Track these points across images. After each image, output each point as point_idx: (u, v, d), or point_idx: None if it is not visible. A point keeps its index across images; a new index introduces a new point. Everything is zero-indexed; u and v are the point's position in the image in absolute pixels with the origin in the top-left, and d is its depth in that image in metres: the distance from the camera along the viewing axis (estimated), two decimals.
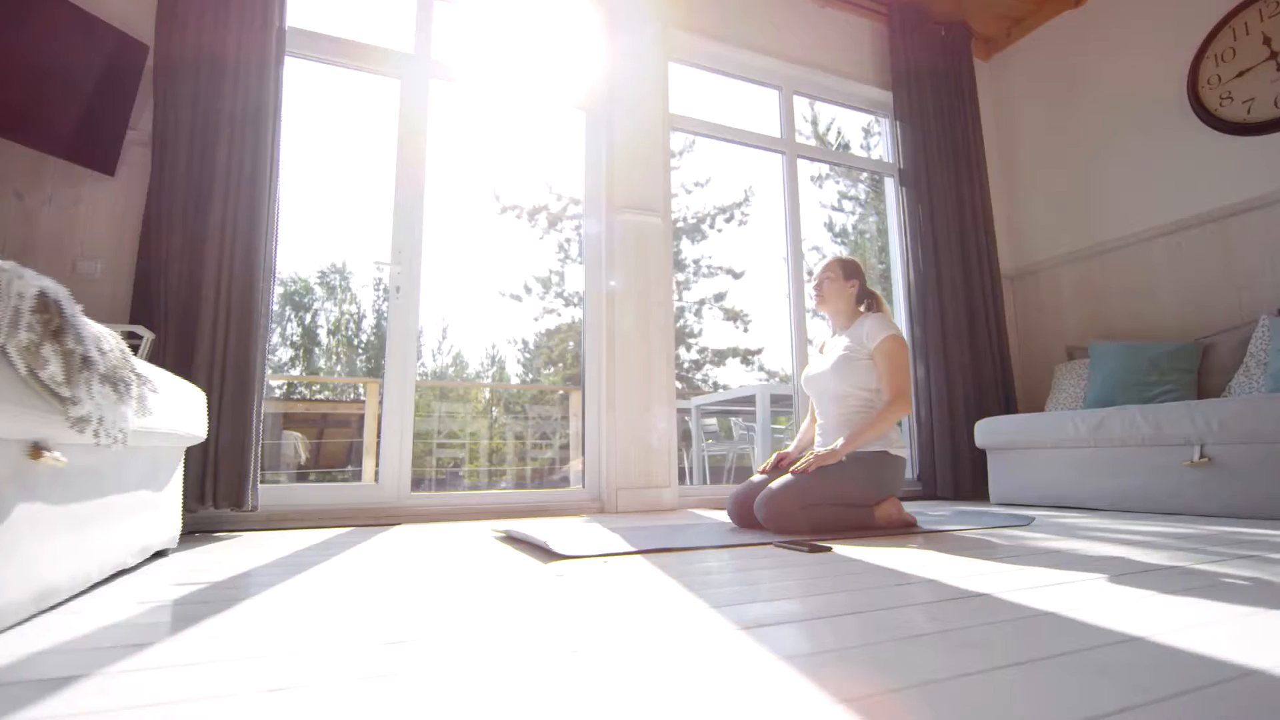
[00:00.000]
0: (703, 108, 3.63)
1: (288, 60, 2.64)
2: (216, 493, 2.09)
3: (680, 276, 9.70)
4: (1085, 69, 3.73)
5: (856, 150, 8.27)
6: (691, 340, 9.60)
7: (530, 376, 12.40)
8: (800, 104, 3.94)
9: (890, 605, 0.98)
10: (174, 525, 1.62)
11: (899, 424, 2.09)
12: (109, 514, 1.18)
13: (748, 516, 2.04)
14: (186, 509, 2.07)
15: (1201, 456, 2.31)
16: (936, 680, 0.65)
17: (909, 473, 3.67)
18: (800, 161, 3.82)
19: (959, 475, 3.36)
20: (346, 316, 14.46)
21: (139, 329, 2.03)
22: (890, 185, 3.94)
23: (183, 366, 2.12)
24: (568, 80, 3.22)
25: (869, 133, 4.13)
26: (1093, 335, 3.55)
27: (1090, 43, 3.71)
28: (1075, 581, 1.14)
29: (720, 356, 9.49)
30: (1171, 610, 0.92)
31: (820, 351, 2.28)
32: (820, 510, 1.91)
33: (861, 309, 2.24)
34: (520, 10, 3.13)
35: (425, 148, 2.86)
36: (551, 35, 3.25)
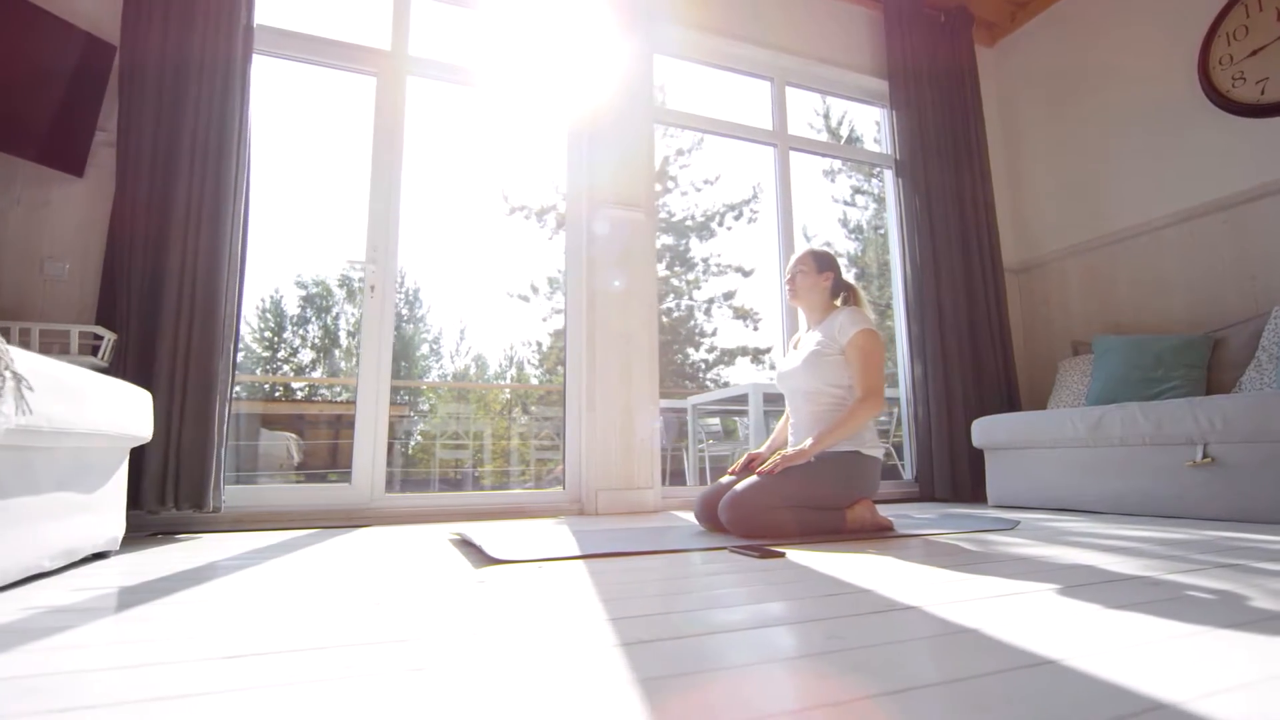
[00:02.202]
0: (697, 101, 3.56)
1: (262, 59, 2.65)
2: (178, 494, 2.07)
3: (690, 275, 9.61)
4: (1092, 53, 3.57)
5: (870, 144, 8.06)
6: (702, 339, 9.50)
7: (548, 377, 12.41)
8: (812, 98, 3.86)
9: (801, 619, 0.91)
10: (114, 527, 1.59)
11: (873, 422, 1.99)
12: (11, 517, 1.15)
13: (714, 519, 1.96)
14: (148, 510, 2.06)
15: (1205, 456, 2.18)
16: (781, 713, 0.57)
17: (906, 474, 3.56)
18: (812, 157, 3.74)
19: (957, 476, 3.23)
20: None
21: (99, 329, 2.02)
22: (888, 177, 3.82)
23: (144, 367, 2.11)
24: (549, 74, 3.16)
25: (882, 126, 4.00)
26: (1100, 329, 3.40)
27: (1097, 25, 3.56)
28: (1022, 593, 1.05)
29: (730, 355, 9.38)
30: (1108, 628, 0.83)
31: (794, 347, 2.19)
32: (786, 513, 1.82)
33: (837, 303, 2.15)
34: (501, 2, 3.09)
35: (402, 145, 2.83)
36: (533, 28, 3.19)
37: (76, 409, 1.29)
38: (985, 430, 2.95)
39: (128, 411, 1.55)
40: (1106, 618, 0.88)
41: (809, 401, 2.03)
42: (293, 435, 4.25)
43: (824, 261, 2.12)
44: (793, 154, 3.64)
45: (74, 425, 1.29)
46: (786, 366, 2.13)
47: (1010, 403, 3.46)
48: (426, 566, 1.41)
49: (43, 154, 2.20)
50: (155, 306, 2.15)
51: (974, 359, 3.43)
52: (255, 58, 2.56)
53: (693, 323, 9.46)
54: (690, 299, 9.44)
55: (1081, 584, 1.11)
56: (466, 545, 1.76)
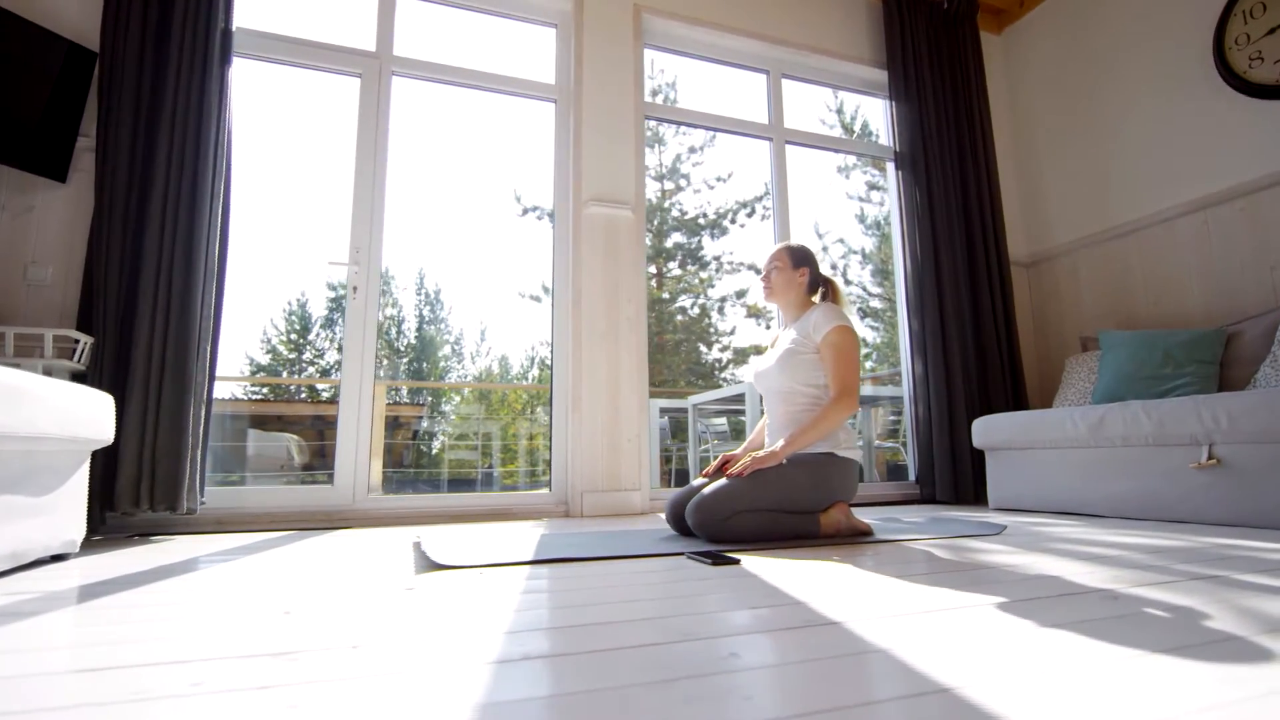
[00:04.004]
0: (710, 98, 3.51)
1: (245, 63, 2.66)
2: (153, 496, 2.08)
3: (704, 274, 9.52)
4: (1103, 38, 3.43)
5: (885, 138, 7.81)
6: (717, 338, 9.41)
7: None
8: (824, 94, 3.81)
9: (710, 635, 0.85)
10: (72, 530, 1.60)
11: (850, 423, 1.92)
12: None
13: (684, 523, 1.90)
14: (123, 512, 2.08)
15: (1210, 458, 2.06)
16: None
17: (908, 475, 3.45)
18: (827, 154, 3.71)
19: (959, 478, 3.12)
20: (388, 321, 14.80)
21: (73, 333, 2.03)
22: (890, 170, 3.71)
23: (120, 370, 2.13)
24: (535, 70, 3.13)
25: (883, 117, 3.91)
26: (1113, 324, 3.26)
27: (1108, 8, 3.41)
28: (960, 607, 0.98)
29: (743, 355, 9.28)
30: (1031, 650, 0.76)
31: (772, 346, 2.13)
32: (755, 517, 1.75)
33: (815, 299, 2.08)
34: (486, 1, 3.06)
35: (387, 146, 2.82)
36: (518, 26, 3.17)
37: (14, 412, 1.28)
38: (985, 430, 2.84)
39: (81, 414, 1.55)
40: (1035, 638, 0.81)
41: (784, 402, 1.96)
42: (293, 436, 4.28)
43: (799, 257, 2.05)
44: (802, 150, 3.61)
45: (13, 429, 1.28)
46: (762, 366, 2.06)
47: (1017, 401, 3.34)
48: (368, 571, 1.38)
49: (26, 160, 2.23)
50: (131, 310, 2.16)
51: (978, 355, 3.32)
52: (238, 61, 2.58)
53: (707, 321, 9.38)
54: (705, 297, 9.35)
55: (1030, 598, 1.03)
56: (420, 549, 1.73)
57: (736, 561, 1.44)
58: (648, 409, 2.97)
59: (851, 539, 1.81)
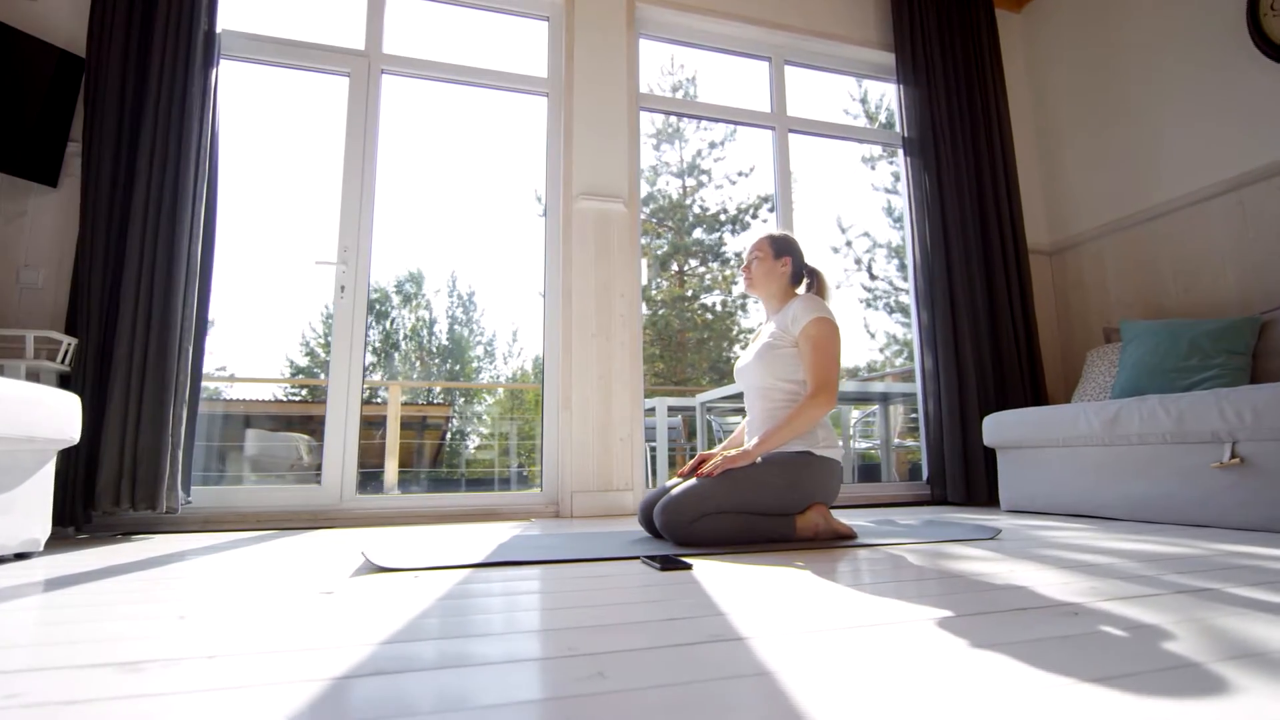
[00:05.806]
0: (715, 90, 3.41)
1: (235, 66, 2.68)
2: (133, 495, 2.10)
3: (726, 271, 9.39)
4: (1128, 10, 3.22)
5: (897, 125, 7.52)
6: (740, 335, 9.26)
7: None
8: (847, 83, 3.70)
9: (590, 651, 0.78)
10: (34, 529, 1.61)
11: (829, 420, 1.82)
12: None
13: (655, 524, 1.82)
14: (104, 511, 2.10)
15: (1233, 456, 1.88)
16: None
17: (921, 474, 3.30)
18: (850, 144, 3.63)
19: (971, 478, 2.96)
20: (420, 323, 15.00)
21: (55, 334, 2.06)
22: (900, 157, 3.56)
23: (102, 370, 2.15)
24: (529, 65, 3.09)
25: (890, 102, 3.75)
26: (1140, 313, 3.06)
27: None
28: (894, 623, 0.88)
29: None
30: (941, 678, 0.67)
31: (754, 340, 2.03)
32: (725, 519, 1.67)
33: (799, 291, 1.98)
34: None
35: (376, 143, 2.81)
36: (511, 17, 3.13)
37: None
38: (995, 427, 2.69)
39: (38, 414, 1.55)
40: (955, 662, 0.71)
41: (762, 398, 1.87)
42: (304, 436, 4.34)
43: (782, 246, 1.95)
44: (822, 142, 3.52)
45: None
46: (743, 361, 1.97)
47: (1037, 397, 3.16)
48: (305, 573, 1.35)
49: (19, 166, 2.28)
50: (114, 312, 2.19)
51: (994, 349, 3.15)
52: (226, 64, 2.60)
53: (730, 318, 9.24)
54: (727, 294, 9.22)
55: (980, 612, 0.93)
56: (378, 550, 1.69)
57: (688, 567, 1.36)
58: (641, 408, 2.90)
59: (829, 543, 1.71)
